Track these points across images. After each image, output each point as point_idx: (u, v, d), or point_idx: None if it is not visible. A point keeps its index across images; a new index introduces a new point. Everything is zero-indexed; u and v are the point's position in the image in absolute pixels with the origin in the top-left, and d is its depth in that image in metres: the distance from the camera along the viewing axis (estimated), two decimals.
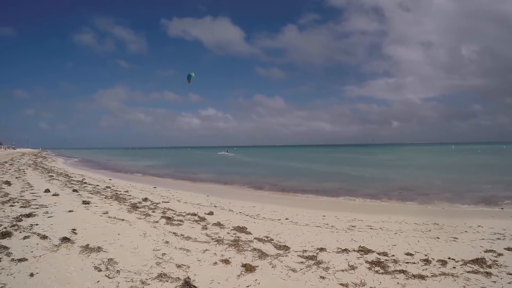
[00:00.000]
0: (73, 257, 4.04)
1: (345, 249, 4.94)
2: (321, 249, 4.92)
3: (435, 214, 8.92)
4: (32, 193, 8.99)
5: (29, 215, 6.00)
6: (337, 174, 22.17)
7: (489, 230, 6.53)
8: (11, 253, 4.00)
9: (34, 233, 4.88)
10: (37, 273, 3.52)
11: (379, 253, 4.80)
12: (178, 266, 3.97)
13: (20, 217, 5.81)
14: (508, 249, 5.07)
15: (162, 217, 6.78)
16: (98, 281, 3.43)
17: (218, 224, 6.37)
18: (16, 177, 13.60)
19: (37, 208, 6.82)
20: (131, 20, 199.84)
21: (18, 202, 7.37)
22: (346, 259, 4.49)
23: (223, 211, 8.33)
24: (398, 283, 3.72)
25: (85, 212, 6.78)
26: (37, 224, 5.40)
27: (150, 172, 24.39)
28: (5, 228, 5.01)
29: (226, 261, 4.23)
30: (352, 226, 6.85)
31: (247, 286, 3.56)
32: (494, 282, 3.76)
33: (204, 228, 6.07)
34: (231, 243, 5.07)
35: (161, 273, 3.69)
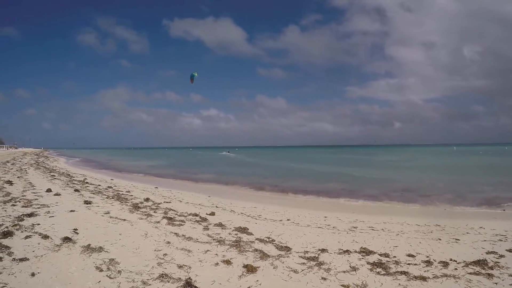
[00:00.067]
0: (74, 257, 4.04)
1: (347, 250, 4.94)
2: (323, 250, 4.91)
3: (436, 215, 8.89)
4: (33, 192, 9.00)
5: (30, 215, 6.01)
6: (339, 175, 22.09)
7: (491, 231, 6.51)
8: (13, 252, 4.01)
9: (36, 232, 4.89)
10: (38, 273, 3.52)
11: (380, 254, 4.79)
12: (180, 267, 3.97)
13: (22, 216, 5.83)
14: (510, 250, 5.05)
15: (163, 217, 6.78)
16: (99, 281, 3.44)
17: (220, 225, 6.37)
18: (18, 177, 13.63)
19: (38, 207, 6.83)
20: (133, 21, 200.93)
21: (19, 202, 7.38)
22: (348, 260, 4.48)
23: (224, 211, 8.33)
24: (399, 284, 3.71)
25: (87, 212, 6.79)
26: (38, 224, 5.42)
27: (152, 172, 24.38)
28: (7, 227, 5.02)
29: (228, 262, 4.22)
30: (354, 227, 6.84)
31: (249, 287, 3.56)
32: (496, 283, 3.74)
33: (206, 228, 6.07)
34: (233, 243, 5.07)
35: (162, 274, 3.70)
